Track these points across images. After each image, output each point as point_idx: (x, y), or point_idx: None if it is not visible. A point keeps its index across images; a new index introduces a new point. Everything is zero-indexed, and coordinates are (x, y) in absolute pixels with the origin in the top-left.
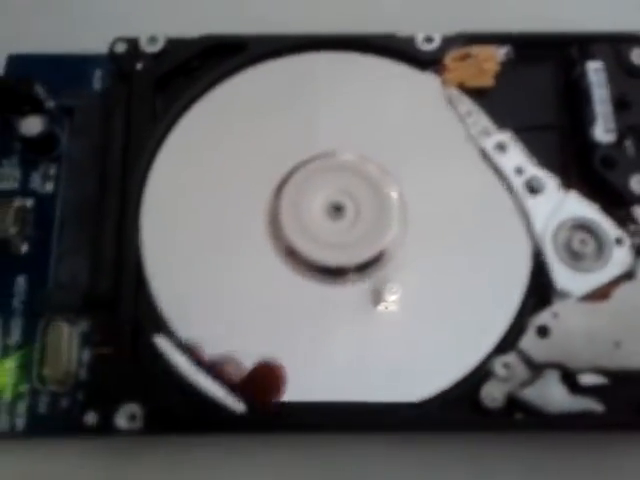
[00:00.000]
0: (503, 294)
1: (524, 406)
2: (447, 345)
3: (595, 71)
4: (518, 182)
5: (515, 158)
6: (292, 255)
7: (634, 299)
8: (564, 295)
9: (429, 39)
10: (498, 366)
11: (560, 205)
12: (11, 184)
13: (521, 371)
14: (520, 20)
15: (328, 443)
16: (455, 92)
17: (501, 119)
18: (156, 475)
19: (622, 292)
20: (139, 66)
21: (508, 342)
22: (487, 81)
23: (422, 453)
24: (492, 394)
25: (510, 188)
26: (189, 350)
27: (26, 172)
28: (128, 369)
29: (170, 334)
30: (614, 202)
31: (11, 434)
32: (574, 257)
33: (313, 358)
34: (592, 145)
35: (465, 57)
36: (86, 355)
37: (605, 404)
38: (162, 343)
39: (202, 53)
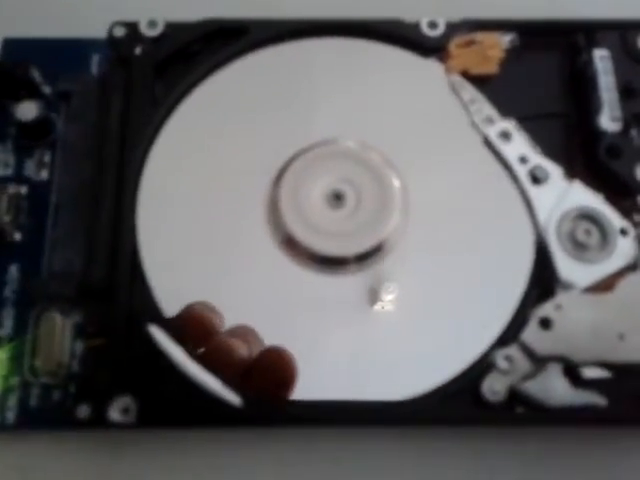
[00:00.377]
0: (505, 285)
1: (526, 400)
2: (448, 337)
3: (601, 59)
4: (522, 171)
5: (519, 147)
6: (291, 244)
7: (638, 291)
8: (568, 286)
9: (433, 25)
10: (500, 359)
11: (564, 195)
12: (5, 171)
13: (523, 364)
14: (525, 7)
15: (327, 438)
16: (459, 79)
17: (505, 107)
18: (150, 469)
19: (627, 284)
20: (138, 50)
21: (510, 334)
22: (491, 68)
23: (423, 448)
24: (493, 387)
25: (513, 177)
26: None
27: (20, 159)
28: (122, 360)
29: (165, 325)
30: (619, 192)
31: (1, 428)
32: (578, 248)
33: (311, 350)
34: (597, 134)
35: (469, 44)
36: (79, 347)
37: (608, 398)
38: (157, 333)
39: (202, 37)
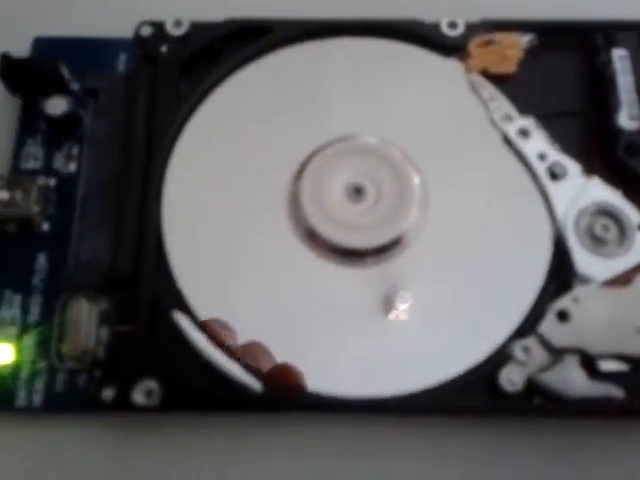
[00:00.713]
0: (524, 278)
1: (543, 391)
2: (466, 329)
3: (620, 58)
4: (541, 167)
5: (538, 144)
6: (311, 236)
7: None
8: (585, 280)
9: (453, 25)
10: (517, 350)
11: (582, 191)
12: (35, 163)
13: (540, 355)
14: (544, 8)
15: (345, 425)
16: (478, 78)
17: (524, 106)
18: (172, 453)
19: None
20: (164, 49)
21: (528, 326)
22: (510, 68)
23: (440, 437)
24: (511, 378)
25: (532, 173)
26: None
27: (49, 152)
28: (146, 346)
29: (189, 312)
30: (637, 189)
31: (28, 410)
32: (596, 242)
33: (330, 340)
34: (616, 132)
35: (489, 43)
36: (104, 333)
37: (625, 390)
38: (181, 320)
39: (226, 37)
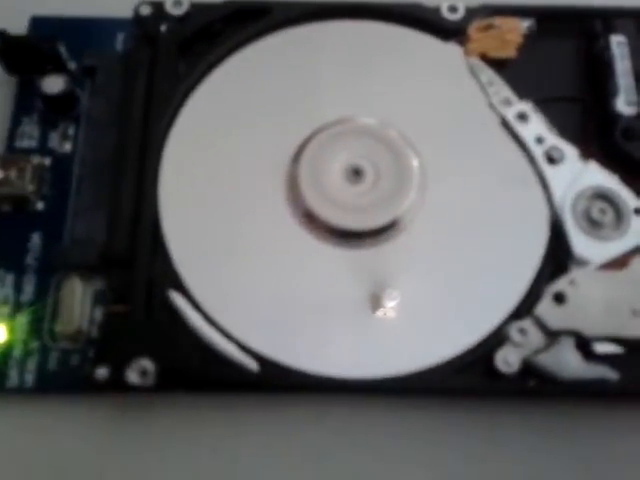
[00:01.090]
0: (521, 261)
1: (539, 372)
2: (463, 311)
3: (618, 44)
4: (538, 151)
5: (536, 128)
6: (309, 218)
7: None
8: (582, 263)
9: (453, 9)
10: (514, 331)
11: (580, 175)
12: (30, 142)
13: (536, 337)
14: None
15: (341, 406)
16: (477, 62)
17: (522, 90)
18: (167, 433)
19: None
20: (163, 28)
21: (524, 308)
22: (509, 52)
23: (436, 418)
24: (507, 359)
25: (530, 157)
26: None
27: (45, 131)
28: (141, 325)
29: (185, 292)
30: (634, 173)
31: (20, 391)
32: (593, 226)
33: (326, 321)
34: (613, 117)
35: (488, 28)
36: (98, 313)
37: (620, 372)
38: (177, 299)
39: (226, 17)
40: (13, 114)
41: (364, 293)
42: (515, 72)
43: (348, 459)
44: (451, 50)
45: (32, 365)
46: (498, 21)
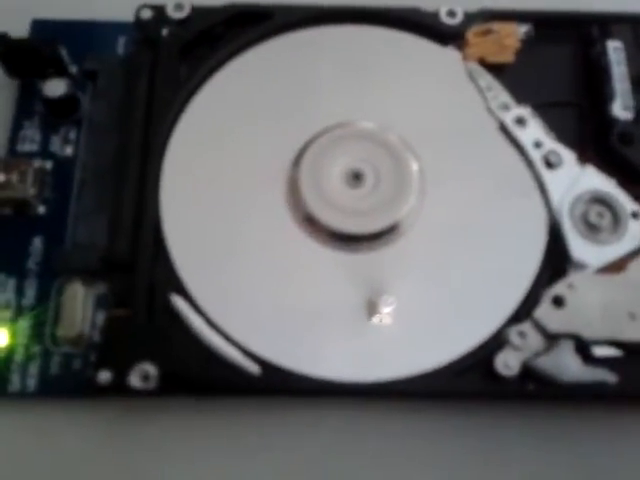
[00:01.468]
0: (520, 265)
1: (538, 375)
2: (463, 314)
3: (614, 50)
4: (536, 156)
5: (534, 132)
6: (310, 221)
7: None
8: (580, 266)
9: (452, 14)
10: (513, 335)
11: (577, 179)
12: (31, 146)
13: (536, 340)
14: None
15: (341, 410)
16: (476, 66)
17: (520, 95)
18: (169, 437)
19: (637, 265)
20: (164, 32)
21: (523, 312)
22: (507, 57)
23: (436, 421)
24: (507, 362)
25: (528, 162)
26: None
27: (46, 135)
28: (143, 329)
29: (186, 296)
30: (630, 178)
31: (22, 395)
32: (591, 230)
33: (326, 324)
34: (610, 121)
35: (487, 33)
36: (100, 317)
37: (619, 375)
38: (178, 303)
39: (227, 21)
40: (14, 118)
41: (365, 297)
42: (513, 77)
43: (349, 462)
44: (449, 55)
45: (34, 369)
46: (496, 26)
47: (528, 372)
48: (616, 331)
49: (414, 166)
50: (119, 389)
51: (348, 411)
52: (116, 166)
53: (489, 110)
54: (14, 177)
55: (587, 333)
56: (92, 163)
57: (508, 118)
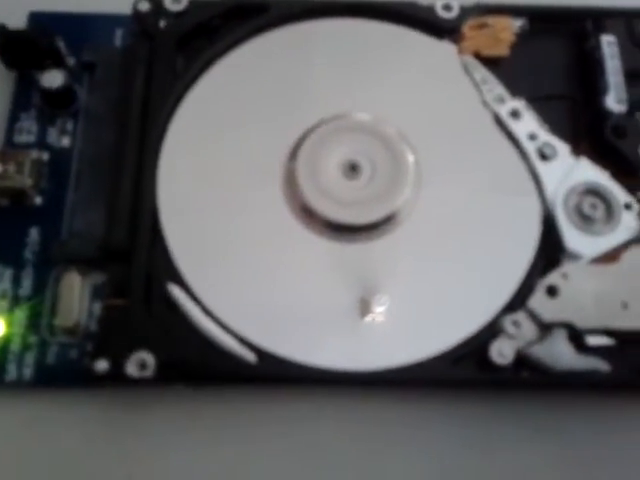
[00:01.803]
0: (514, 255)
1: (532, 364)
2: (458, 304)
3: (608, 44)
4: (531, 148)
5: (528, 124)
6: (306, 212)
7: None
8: (574, 257)
9: (448, 8)
10: (508, 323)
11: (571, 171)
12: (28, 137)
13: (530, 329)
14: None
15: (337, 399)
16: (471, 60)
17: (515, 88)
18: (166, 426)
19: (630, 255)
20: (162, 24)
21: (518, 301)
22: (503, 50)
23: (431, 410)
24: (501, 351)
25: (523, 154)
26: None
27: (43, 126)
28: (140, 318)
29: (184, 285)
30: (624, 170)
31: (19, 384)
32: (584, 220)
33: (321, 314)
34: (604, 115)
35: (482, 26)
36: (97, 307)
37: (611, 364)
38: (176, 292)
39: (224, 14)
40: (12, 109)
41: (361, 286)
42: (508, 70)
43: (345, 450)
44: (445, 48)
45: (30, 359)
46: (491, 20)
47: (522, 361)
48: (609, 320)
49: (410, 158)
50: (116, 378)
51: (344, 400)
52: (113, 157)
53: (484, 103)
54: (11, 168)
55: (580, 322)
56: (89, 154)
57: (503, 111)
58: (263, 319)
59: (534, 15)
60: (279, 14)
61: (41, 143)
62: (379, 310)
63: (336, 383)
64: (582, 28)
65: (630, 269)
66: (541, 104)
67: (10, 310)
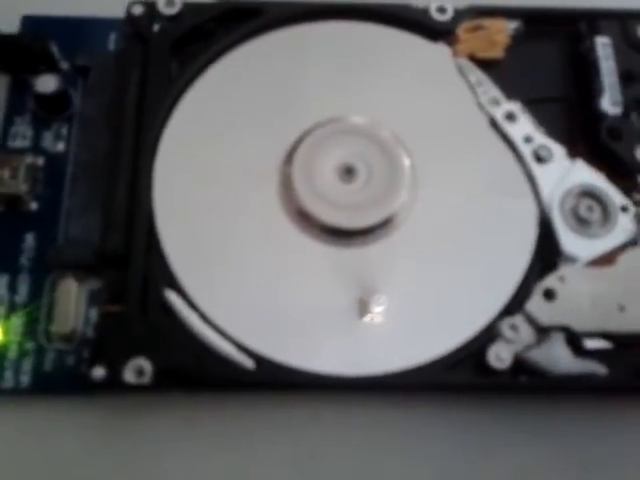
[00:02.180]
0: (511, 259)
1: (530, 368)
2: (455, 308)
3: (603, 46)
4: (526, 150)
5: (524, 127)
6: (302, 216)
7: (639, 265)
8: (570, 260)
9: (442, 10)
10: (505, 327)
11: (567, 173)
12: (23, 142)
13: (528, 333)
14: None
15: (335, 404)
16: (466, 62)
17: (510, 90)
18: (163, 432)
19: (627, 258)
20: (156, 28)
21: (515, 305)
22: (497, 53)
23: (429, 414)
24: (499, 355)
25: (518, 156)
26: None
27: (38, 131)
28: (137, 324)
29: (180, 291)
30: (619, 172)
31: (16, 391)
32: (581, 223)
33: (317, 319)
34: (599, 116)
35: (477, 29)
36: (93, 314)
37: (609, 367)
38: (172, 298)
39: (218, 17)
40: (6, 114)
41: (358, 291)
42: (503, 73)
43: (342, 455)
44: (440, 51)
45: (27, 366)
46: (486, 22)
47: (520, 364)
48: (606, 323)
49: (406, 161)
50: (114, 385)
51: (342, 405)
52: (108, 162)
53: (479, 105)
54: (6, 173)
55: (578, 325)
56: (84, 159)
57: (498, 113)
58: (261, 325)
59: (529, 17)
60: (273, 17)
61: (36, 148)
62: (377, 310)
63: (334, 388)
64: (576, 30)
65: (627, 272)
66: (536, 106)
67: (6, 317)
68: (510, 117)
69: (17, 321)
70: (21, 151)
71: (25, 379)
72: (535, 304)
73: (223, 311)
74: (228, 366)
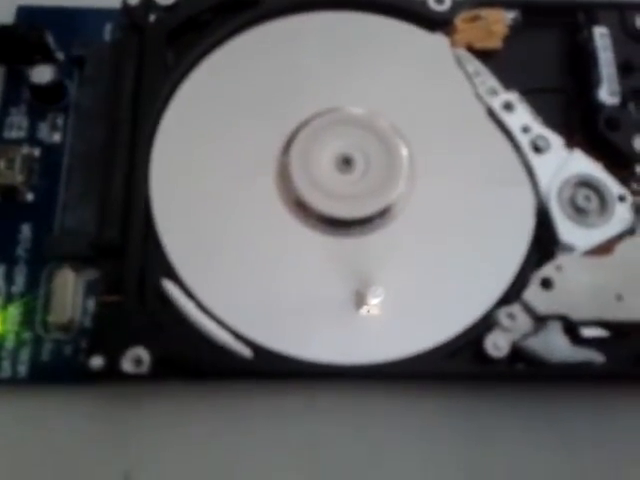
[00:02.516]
0: (509, 248)
1: (527, 356)
2: (453, 297)
3: (601, 36)
4: (524, 140)
5: (522, 117)
6: (300, 206)
7: (636, 254)
8: (568, 249)
9: (440, 0)
10: (503, 316)
11: (565, 163)
12: (19, 133)
13: (525, 322)
14: None
15: (333, 392)
16: (464, 52)
17: (508, 81)
18: (161, 422)
19: (624, 247)
20: (152, 18)
21: (513, 294)
22: (495, 43)
23: (426, 402)
24: (496, 343)
25: (516, 146)
26: None
27: (34, 122)
28: (134, 314)
29: (177, 280)
30: (617, 162)
31: (13, 381)
32: (578, 213)
33: (316, 308)
34: (597, 107)
35: (475, 19)
36: (91, 304)
37: (606, 355)
38: (170, 287)
39: (214, 8)
40: (1, 104)
41: (355, 281)
42: (501, 63)
43: (340, 443)
44: (438, 41)
45: (25, 356)
46: (484, 12)
47: (517, 353)
48: (603, 312)
49: (404, 151)
50: (112, 374)
51: (340, 393)
52: (104, 152)
53: (477, 96)
54: (1, 164)
55: (575, 314)
56: (80, 149)
57: (496, 103)
58: (258, 314)
59: (527, 7)
60: (270, 7)
61: (32, 138)
62: (374, 302)
63: (332, 377)
64: (574, 20)
65: (624, 261)
66: (534, 96)
67: (3, 307)
68: (508, 107)
69: (14, 311)
70: (17, 142)
71: (23, 369)
72: (532, 293)
73: (220, 300)
74: (225, 355)
